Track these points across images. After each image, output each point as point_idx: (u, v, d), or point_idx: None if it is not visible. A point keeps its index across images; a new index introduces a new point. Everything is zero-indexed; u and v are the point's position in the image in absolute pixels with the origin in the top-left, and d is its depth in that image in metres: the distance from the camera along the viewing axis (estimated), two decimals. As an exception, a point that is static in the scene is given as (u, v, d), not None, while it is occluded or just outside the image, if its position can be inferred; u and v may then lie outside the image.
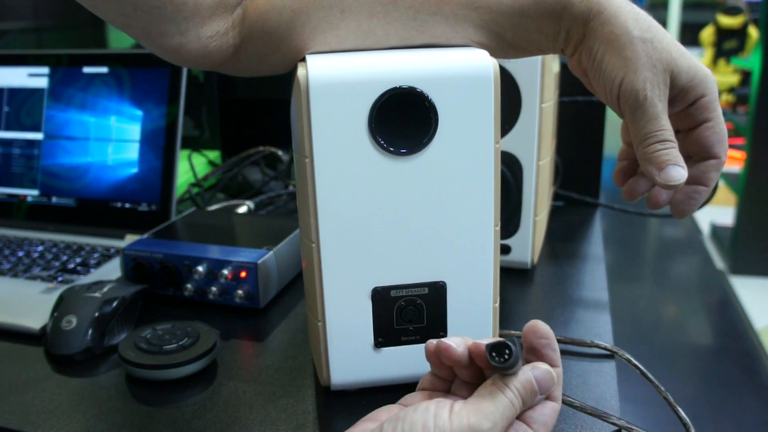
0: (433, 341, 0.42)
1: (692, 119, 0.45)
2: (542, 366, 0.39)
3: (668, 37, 0.44)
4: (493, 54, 0.46)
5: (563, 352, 0.59)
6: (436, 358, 0.41)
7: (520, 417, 0.39)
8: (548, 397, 0.40)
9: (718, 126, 0.45)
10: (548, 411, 0.39)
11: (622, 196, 0.49)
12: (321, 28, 0.46)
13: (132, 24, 0.45)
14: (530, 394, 0.38)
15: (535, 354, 0.41)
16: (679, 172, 0.42)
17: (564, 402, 0.47)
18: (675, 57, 0.43)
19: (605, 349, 0.58)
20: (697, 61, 0.44)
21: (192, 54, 0.47)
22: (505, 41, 0.47)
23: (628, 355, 0.57)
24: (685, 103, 0.45)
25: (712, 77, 0.44)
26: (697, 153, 0.46)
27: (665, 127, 0.43)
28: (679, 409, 0.51)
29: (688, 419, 0.50)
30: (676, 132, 0.45)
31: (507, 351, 0.36)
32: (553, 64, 0.72)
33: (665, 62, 0.43)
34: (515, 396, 0.37)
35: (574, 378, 0.55)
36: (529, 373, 0.38)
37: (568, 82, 0.94)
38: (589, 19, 0.44)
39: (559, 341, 0.60)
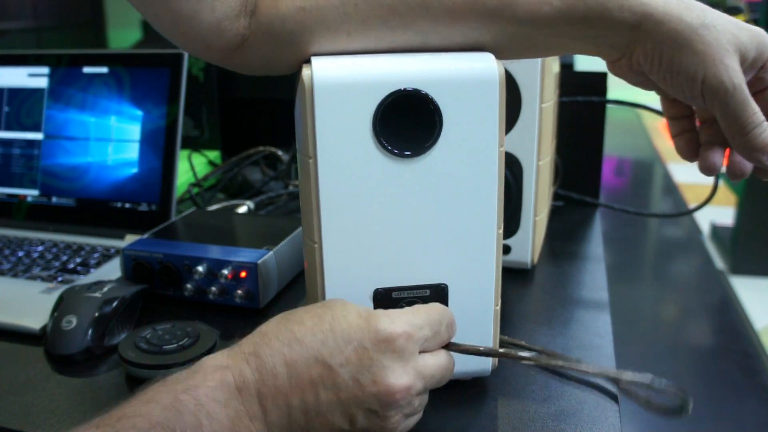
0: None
1: (762, 82, 0.45)
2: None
3: (718, 13, 0.42)
4: (503, 56, 0.46)
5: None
6: None
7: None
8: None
9: None
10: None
11: (700, 171, 0.48)
12: (328, 31, 0.45)
13: None
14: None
15: None
16: None
17: None
18: (736, 34, 0.42)
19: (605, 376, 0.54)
20: (749, 26, 0.43)
21: (203, 28, 0.46)
22: (521, 52, 0.47)
23: (625, 385, 0.51)
24: (755, 70, 0.44)
25: (765, 34, 0.44)
26: None
27: (756, 110, 0.43)
28: None
29: None
30: None
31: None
32: (553, 64, 0.71)
33: (733, 43, 0.42)
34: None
35: (574, 379, 0.55)
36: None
37: (568, 82, 0.94)
38: (637, 24, 0.42)
39: (554, 355, 0.59)
